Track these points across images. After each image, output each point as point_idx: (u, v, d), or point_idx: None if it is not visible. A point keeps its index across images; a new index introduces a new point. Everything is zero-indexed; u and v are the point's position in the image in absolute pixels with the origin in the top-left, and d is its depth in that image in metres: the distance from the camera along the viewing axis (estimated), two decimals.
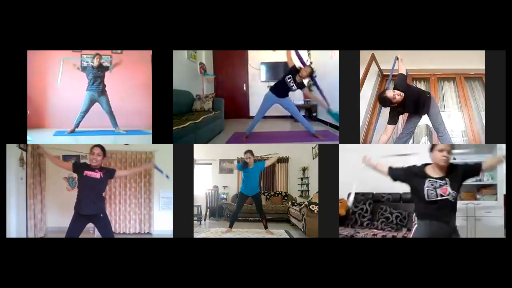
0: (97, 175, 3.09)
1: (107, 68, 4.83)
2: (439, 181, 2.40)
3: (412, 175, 2.50)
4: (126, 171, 3.36)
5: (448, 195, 2.37)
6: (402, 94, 3.39)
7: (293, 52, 4.93)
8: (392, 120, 3.53)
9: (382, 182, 4.31)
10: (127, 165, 4.94)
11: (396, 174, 2.61)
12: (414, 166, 2.54)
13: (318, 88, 5.08)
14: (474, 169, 2.48)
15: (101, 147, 3.14)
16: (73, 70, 5.33)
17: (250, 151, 4.62)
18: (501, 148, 3.14)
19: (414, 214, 2.57)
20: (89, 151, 3.13)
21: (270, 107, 4.96)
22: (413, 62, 3.76)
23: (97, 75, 4.71)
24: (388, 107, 3.52)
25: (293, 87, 4.74)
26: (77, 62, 4.97)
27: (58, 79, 4.81)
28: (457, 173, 2.44)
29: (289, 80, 4.72)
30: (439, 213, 2.41)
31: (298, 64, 4.87)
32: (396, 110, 3.50)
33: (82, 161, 4.99)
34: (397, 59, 3.60)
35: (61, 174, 4.83)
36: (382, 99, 3.42)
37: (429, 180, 2.41)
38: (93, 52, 4.77)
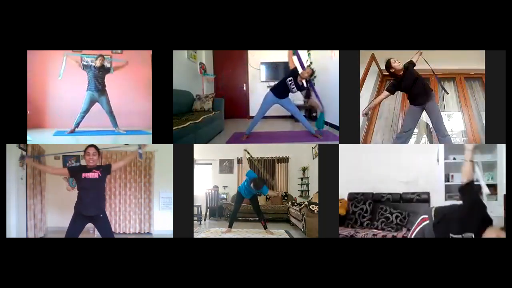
0: (95, 175, 3.11)
1: (108, 70, 4.83)
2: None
3: (473, 212, 2.46)
4: (120, 162, 3.40)
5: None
6: (403, 66, 3.61)
7: (294, 56, 4.97)
8: (388, 89, 3.78)
9: (382, 182, 4.37)
10: (127, 165, 4.95)
11: (467, 193, 2.54)
12: (485, 212, 2.49)
13: (315, 92, 5.15)
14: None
15: (95, 146, 3.15)
16: (74, 70, 5.35)
17: (262, 181, 4.78)
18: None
19: (429, 219, 2.60)
20: (84, 152, 3.14)
21: (270, 107, 4.96)
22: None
23: (98, 75, 4.72)
24: (389, 73, 3.72)
25: (293, 89, 4.76)
26: (80, 59, 4.92)
27: (60, 74, 4.79)
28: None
29: (289, 83, 4.73)
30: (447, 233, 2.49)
31: (298, 66, 4.90)
32: (396, 81, 3.70)
33: (82, 160, 5.01)
34: (418, 52, 3.73)
35: (56, 176, 4.82)
36: (386, 62, 3.68)
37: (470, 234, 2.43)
38: (96, 52, 4.77)
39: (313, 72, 4.82)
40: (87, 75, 4.72)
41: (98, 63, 4.72)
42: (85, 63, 4.85)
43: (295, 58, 4.96)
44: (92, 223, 3.18)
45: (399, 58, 3.66)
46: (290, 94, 4.91)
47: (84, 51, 5.39)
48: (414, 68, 3.68)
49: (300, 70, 4.87)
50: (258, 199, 4.98)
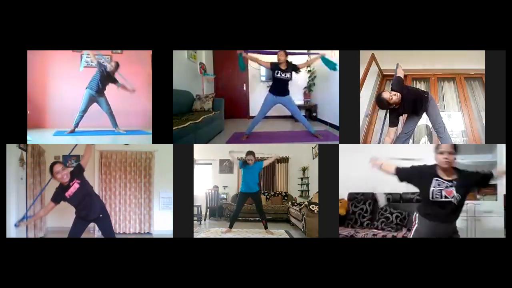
0: (76, 186, 3.04)
1: (115, 81, 4.75)
2: (446, 182, 2.40)
3: (420, 174, 2.49)
4: (86, 157, 3.30)
5: (452, 197, 2.38)
6: (399, 95, 3.38)
7: (258, 56, 5.00)
8: (393, 122, 3.54)
9: (382, 182, 4.37)
10: (127, 165, 4.95)
11: (403, 174, 2.58)
12: (424, 165, 2.52)
13: (302, 53, 5.04)
14: (485, 178, 2.48)
15: (58, 162, 3.06)
16: (74, 70, 5.39)
17: (252, 153, 4.72)
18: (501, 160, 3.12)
19: (416, 213, 2.57)
20: (51, 174, 3.01)
21: (270, 108, 4.96)
22: (413, 62, 3.76)
23: (103, 77, 4.66)
24: (386, 109, 3.53)
25: (287, 76, 4.73)
26: (97, 57, 4.84)
27: (81, 66, 4.81)
28: (467, 179, 2.43)
29: (279, 75, 4.71)
30: (441, 214, 2.42)
31: (271, 59, 4.87)
32: (395, 112, 3.50)
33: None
34: (398, 66, 3.62)
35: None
36: (379, 101, 3.42)
37: (437, 180, 2.41)
38: (101, 53, 4.72)
39: (285, 51, 4.75)
40: (95, 73, 4.67)
41: (110, 68, 4.65)
42: (99, 59, 4.80)
43: (261, 57, 4.94)
44: (95, 222, 3.21)
45: (397, 58, 3.66)
46: (291, 93, 4.92)
47: (82, 52, 5.42)
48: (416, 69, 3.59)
49: (273, 60, 4.81)
50: (261, 199, 4.98)
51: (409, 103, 3.46)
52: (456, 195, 2.38)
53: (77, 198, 3.04)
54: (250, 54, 4.90)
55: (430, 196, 2.40)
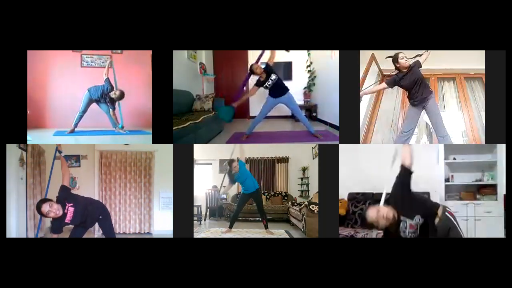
0: (71, 210, 2.96)
1: (112, 106, 4.69)
2: (401, 225, 2.54)
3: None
4: (66, 174, 3.19)
5: (416, 226, 2.49)
6: (409, 64, 3.52)
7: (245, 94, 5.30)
8: (388, 82, 3.69)
9: (383, 182, 4.37)
10: (127, 165, 4.95)
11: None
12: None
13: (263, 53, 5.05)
14: (402, 176, 2.64)
15: (42, 203, 2.88)
16: (73, 70, 5.39)
17: (232, 161, 4.76)
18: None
19: None
20: (42, 215, 2.93)
21: (271, 109, 4.99)
22: (413, 61, 3.76)
23: (103, 96, 4.63)
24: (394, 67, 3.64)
25: (273, 80, 4.76)
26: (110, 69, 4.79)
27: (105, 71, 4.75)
28: (396, 198, 2.57)
29: (268, 86, 4.76)
30: (427, 234, 2.55)
31: (253, 80, 4.96)
32: (396, 75, 3.62)
33: (82, 160, 5.04)
34: (427, 54, 3.65)
35: (61, 174, 4.83)
36: (394, 55, 3.56)
37: (404, 232, 2.57)
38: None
39: (258, 65, 4.80)
40: (102, 84, 4.64)
41: (113, 93, 4.59)
42: (110, 75, 4.70)
43: (244, 95, 5.28)
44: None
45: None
46: (291, 91, 4.92)
47: (82, 52, 5.41)
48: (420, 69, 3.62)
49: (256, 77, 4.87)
50: (261, 198, 4.99)
51: (412, 79, 3.56)
52: (414, 222, 2.49)
53: (78, 217, 3.01)
54: (239, 101, 5.02)
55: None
